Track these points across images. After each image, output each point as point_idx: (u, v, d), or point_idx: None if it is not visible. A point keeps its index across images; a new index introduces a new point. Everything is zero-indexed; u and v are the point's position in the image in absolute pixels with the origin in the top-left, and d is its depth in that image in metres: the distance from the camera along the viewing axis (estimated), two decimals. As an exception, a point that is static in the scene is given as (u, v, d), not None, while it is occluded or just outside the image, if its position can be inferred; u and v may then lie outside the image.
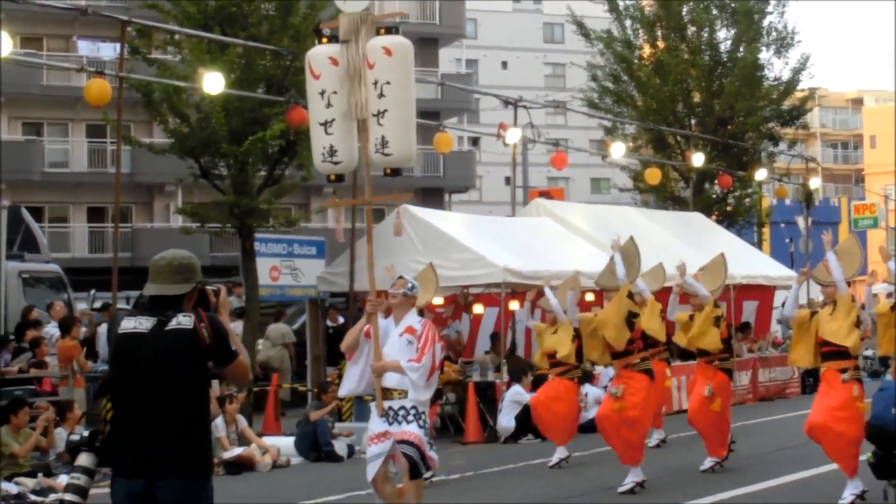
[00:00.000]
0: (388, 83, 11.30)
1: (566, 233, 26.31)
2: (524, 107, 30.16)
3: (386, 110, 11.32)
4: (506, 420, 21.63)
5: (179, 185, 38.69)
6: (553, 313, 18.07)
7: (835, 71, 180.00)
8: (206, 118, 23.95)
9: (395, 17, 12.08)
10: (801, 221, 44.84)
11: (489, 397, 22.12)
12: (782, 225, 55.57)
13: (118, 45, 23.89)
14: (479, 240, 23.60)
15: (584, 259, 23.43)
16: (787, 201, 54.96)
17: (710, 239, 30.21)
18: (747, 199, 41.96)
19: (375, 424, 11.14)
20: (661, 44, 40.36)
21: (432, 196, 52.48)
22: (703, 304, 16.43)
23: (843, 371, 13.19)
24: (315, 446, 19.83)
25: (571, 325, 17.64)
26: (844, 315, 13.29)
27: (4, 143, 44.95)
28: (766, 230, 45.36)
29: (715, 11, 40.59)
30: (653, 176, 35.12)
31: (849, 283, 13.74)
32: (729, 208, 40.96)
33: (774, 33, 41.15)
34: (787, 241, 54.51)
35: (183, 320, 6.87)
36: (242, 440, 19.51)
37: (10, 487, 16.14)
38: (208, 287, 7.16)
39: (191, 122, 24.55)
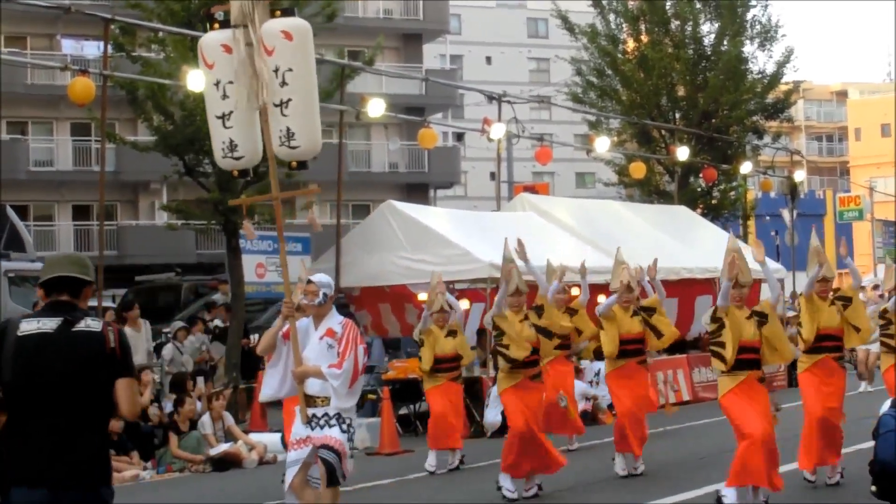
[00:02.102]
0: (290, 70, 10.43)
1: (551, 227, 26.34)
2: (508, 102, 30.20)
3: (290, 100, 10.45)
4: (492, 415, 21.61)
5: (164, 182, 38.64)
6: (447, 313, 17.58)
7: (819, 63, 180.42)
8: (191, 115, 23.92)
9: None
10: (786, 214, 44.97)
11: (475, 393, 22.11)
12: (767, 218, 55.67)
13: (102, 44, 23.88)
14: (464, 235, 23.63)
15: (569, 254, 23.44)
16: (772, 194, 55.09)
17: (694, 232, 30.29)
18: (732, 193, 42.10)
19: (298, 429, 10.64)
20: (644, 38, 40.44)
21: (417, 192, 52.49)
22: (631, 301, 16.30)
23: (762, 380, 12.54)
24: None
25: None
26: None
27: (-11, 143, 44.96)
28: (752, 223, 45.47)
29: (699, 5, 40.66)
30: (637, 170, 35.18)
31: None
32: (714, 202, 41.07)
33: (758, 26, 41.24)
34: (773, 234, 54.60)
35: (91, 323, 6.69)
36: (229, 437, 19.53)
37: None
38: None
39: (175, 119, 24.53)
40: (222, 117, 10.78)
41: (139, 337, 21.83)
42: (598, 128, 40.58)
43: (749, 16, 41.15)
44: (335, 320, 10.67)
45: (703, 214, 37.38)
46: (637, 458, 15.85)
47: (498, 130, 29.56)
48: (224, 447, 19.03)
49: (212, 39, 10.79)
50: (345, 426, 10.50)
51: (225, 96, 10.69)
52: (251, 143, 10.78)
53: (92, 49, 43.55)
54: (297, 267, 12.31)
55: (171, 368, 21.96)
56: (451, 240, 23.11)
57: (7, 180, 44.46)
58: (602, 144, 34.32)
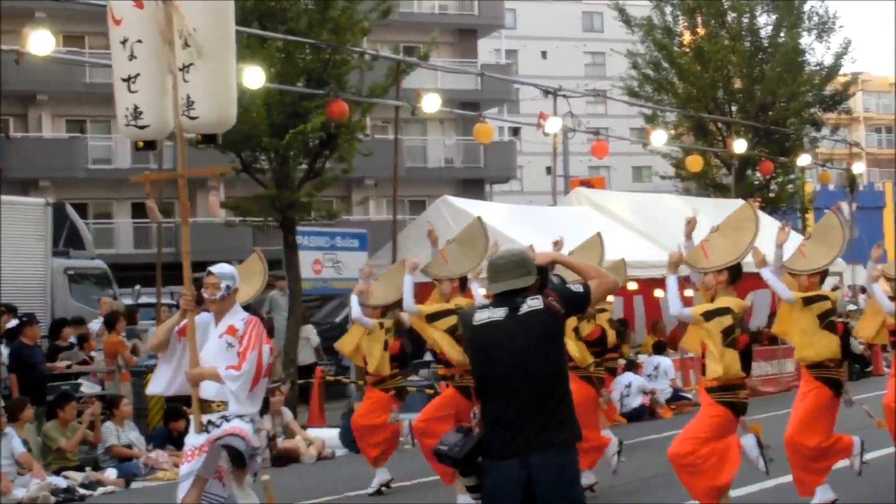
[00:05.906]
0: (195, 30, 9.32)
1: (608, 222, 26.24)
2: (564, 96, 30.18)
3: (191, 64, 9.37)
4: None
5: (221, 179, 38.84)
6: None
7: (877, 54, 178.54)
8: (247, 112, 24.00)
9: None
10: (845, 207, 44.62)
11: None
12: (826, 211, 55.17)
13: (159, 42, 24.03)
14: (520, 230, 23.57)
15: (626, 248, 23.37)
16: (831, 187, 54.70)
17: (752, 226, 30.09)
18: (790, 186, 41.84)
19: (192, 439, 9.50)
20: (701, 30, 40.26)
21: (473, 187, 52.51)
22: None
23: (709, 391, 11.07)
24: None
25: (383, 330, 15.50)
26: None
27: (48, 141, 45.42)
28: (810, 216, 45.12)
29: (755, -3, 40.48)
30: (694, 163, 35.03)
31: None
32: (772, 195, 40.81)
33: (816, 18, 40.97)
34: (832, 226, 54.03)
35: (532, 303, 7.18)
36: (287, 432, 19.59)
37: (59, 481, 16.31)
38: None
39: (231, 116, 24.65)
40: (128, 80, 9.75)
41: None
42: (655, 121, 40.40)
43: (806, 7, 40.91)
44: (238, 317, 9.56)
45: (761, 208, 37.14)
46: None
47: (554, 125, 29.54)
48: (282, 443, 19.10)
49: None
50: (247, 419, 9.39)
51: (132, 57, 9.68)
52: (159, 111, 9.76)
53: (149, 47, 43.83)
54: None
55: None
56: (507, 235, 23.06)
57: (66, 178, 44.99)
58: (658, 138, 34.20)
